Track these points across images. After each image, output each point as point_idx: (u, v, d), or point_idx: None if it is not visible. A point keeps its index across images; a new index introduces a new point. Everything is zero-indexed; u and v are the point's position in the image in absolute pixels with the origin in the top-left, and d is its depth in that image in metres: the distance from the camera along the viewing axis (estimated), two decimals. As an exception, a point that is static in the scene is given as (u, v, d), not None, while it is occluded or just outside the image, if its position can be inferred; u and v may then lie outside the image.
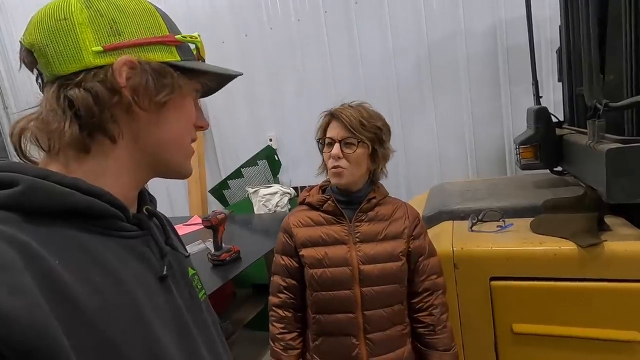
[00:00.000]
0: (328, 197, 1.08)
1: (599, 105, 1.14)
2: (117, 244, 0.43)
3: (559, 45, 1.79)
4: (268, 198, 2.68)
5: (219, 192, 3.00)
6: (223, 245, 1.73)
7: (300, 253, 1.07)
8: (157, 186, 3.32)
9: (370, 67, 2.55)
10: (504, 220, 1.38)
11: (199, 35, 0.50)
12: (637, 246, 1.10)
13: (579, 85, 1.49)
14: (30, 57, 0.44)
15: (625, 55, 1.21)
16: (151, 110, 0.44)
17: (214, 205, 3.03)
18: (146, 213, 0.51)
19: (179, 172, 0.51)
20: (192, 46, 0.50)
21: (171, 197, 3.28)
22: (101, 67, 0.42)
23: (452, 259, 1.26)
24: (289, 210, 2.67)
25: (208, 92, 0.55)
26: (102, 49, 0.42)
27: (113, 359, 0.36)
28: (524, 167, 1.62)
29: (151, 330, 0.40)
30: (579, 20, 1.30)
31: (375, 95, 2.50)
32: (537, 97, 1.84)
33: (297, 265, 1.09)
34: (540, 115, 1.55)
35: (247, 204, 2.79)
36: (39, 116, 0.42)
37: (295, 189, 2.80)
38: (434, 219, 1.54)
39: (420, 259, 1.08)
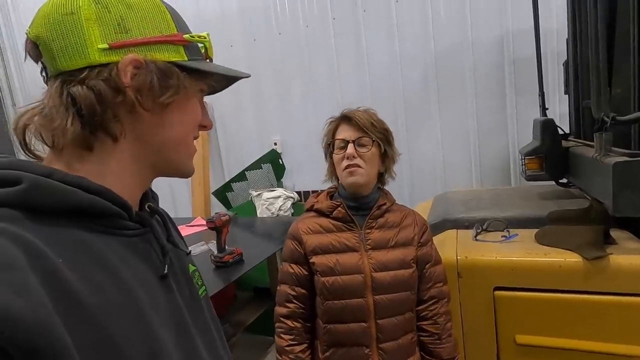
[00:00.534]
0: (338, 203, 1.06)
1: (606, 119, 1.15)
2: (119, 243, 0.43)
3: (565, 57, 1.80)
4: (271, 202, 2.68)
5: (222, 194, 3.01)
6: (226, 247, 1.73)
7: (311, 261, 1.05)
8: (160, 186, 3.34)
9: (377, 74, 2.57)
10: (508, 231, 1.38)
11: (207, 35, 0.49)
12: (642, 260, 1.10)
13: (586, 98, 1.50)
14: (35, 50, 0.43)
15: (633, 69, 1.22)
16: (155, 111, 0.44)
17: (217, 208, 3.04)
18: (148, 210, 0.50)
19: (182, 172, 0.51)
20: (201, 45, 0.49)
21: (175, 197, 3.29)
22: (106, 64, 0.41)
23: (456, 267, 1.26)
24: (292, 214, 2.67)
25: (214, 91, 0.55)
26: (108, 46, 0.41)
27: (113, 357, 0.36)
28: (529, 178, 1.62)
29: (151, 329, 0.41)
30: (587, 33, 1.31)
31: (381, 102, 2.52)
32: (543, 109, 1.84)
33: (306, 273, 1.07)
34: (547, 127, 1.55)
35: (250, 207, 2.79)
36: (42, 111, 0.42)
37: (299, 193, 2.81)
38: (438, 227, 1.54)
39: (427, 266, 1.08)
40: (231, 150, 3.08)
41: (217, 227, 1.68)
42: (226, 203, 3.00)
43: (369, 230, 1.05)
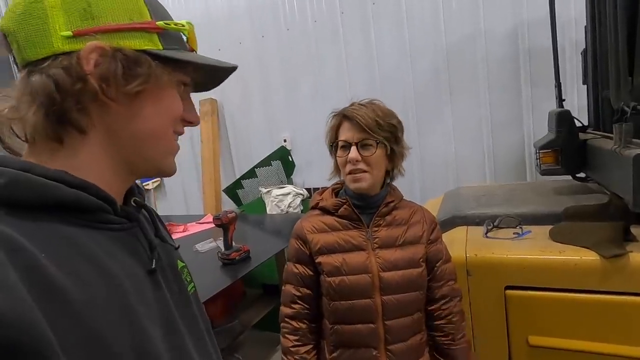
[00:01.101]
0: (344, 200, 1.03)
1: (626, 108, 1.09)
2: (105, 237, 0.42)
3: (583, 46, 1.71)
4: (281, 199, 2.68)
5: (232, 191, 3.02)
6: (233, 244, 1.73)
7: (316, 260, 1.02)
8: (173, 183, 3.38)
9: (387, 69, 2.52)
10: (521, 227, 1.33)
11: (187, 23, 0.47)
12: (665, 259, 1.04)
13: (605, 88, 1.42)
14: (5, 41, 0.42)
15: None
16: (123, 101, 0.42)
17: (228, 205, 3.05)
18: (134, 205, 0.49)
19: (160, 169, 0.48)
20: (182, 36, 0.47)
21: (186, 195, 3.33)
22: (69, 52, 0.40)
23: (465, 265, 1.22)
24: (302, 211, 2.66)
25: (204, 86, 0.53)
26: (71, 33, 0.40)
27: (100, 352, 0.35)
28: (544, 173, 1.55)
29: (139, 323, 0.40)
30: (607, 20, 1.24)
31: (391, 96, 2.46)
32: (560, 100, 1.76)
33: (312, 273, 1.04)
34: (563, 119, 1.49)
35: (260, 204, 2.80)
36: (13, 104, 0.41)
37: (309, 190, 2.79)
38: (448, 223, 1.50)
39: (438, 264, 1.03)
40: (241, 147, 3.09)
41: (223, 225, 1.69)
42: (236, 200, 3.02)
43: (376, 229, 1.01)
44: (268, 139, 2.93)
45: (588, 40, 1.61)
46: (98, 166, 0.43)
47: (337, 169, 1.07)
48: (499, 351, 1.22)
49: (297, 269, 1.05)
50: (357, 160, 0.95)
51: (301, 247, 1.05)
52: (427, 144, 2.50)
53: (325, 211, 1.05)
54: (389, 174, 1.05)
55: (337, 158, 1.02)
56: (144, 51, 0.43)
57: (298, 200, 2.68)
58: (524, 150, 2.31)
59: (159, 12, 0.46)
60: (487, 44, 2.27)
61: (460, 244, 1.30)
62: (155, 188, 3.42)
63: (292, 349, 1.04)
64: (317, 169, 2.81)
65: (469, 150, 2.42)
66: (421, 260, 1.00)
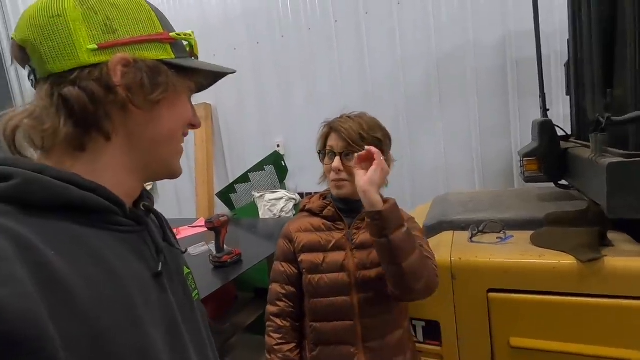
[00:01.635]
0: (328, 202, 1.09)
1: (601, 119, 1.13)
2: (113, 238, 0.43)
3: (567, 58, 1.78)
4: (273, 203, 2.70)
5: (225, 195, 3.04)
6: (225, 247, 1.75)
7: (299, 259, 1.07)
8: (166, 188, 3.39)
9: (379, 77, 2.57)
10: (504, 232, 1.37)
11: (192, 33, 0.50)
12: (638, 263, 1.08)
13: (584, 99, 1.48)
14: (22, 53, 0.43)
15: (630, 70, 1.20)
16: (145, 108, 0.45)
17: (221, 209, 3.07)
18: (143, 209, 0.51)
19: (170, 170, 0.51)
20: (186, 44, 0.50)
21: (179, 198, 3.33)
22: (96, 65, 0.42)
23: (450, 269, 1.26)
24: (294, 216, 2.68)
25: (200, 88, 0.55)
26: (96, 46, 0.42)
27: (102, 351, 0.36)
28: (528, 180, 1.60)
29: (142, 325, 0.41)
30: (584, 33, 1.30)
31: (383, 104, 2.52)
32: (544, 110, 1.82)
33: (296, 271, 1.08)
34: (545, 128, 1.54)
35: (253, 208, 2.82)
36: (32, 114, 0.42)
37: (301, 195, 2.82)
38: (435, 228, 1.54)
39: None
40: (234, 152, 3.11)
41: (215, 228, 1.71)
42: (229, 204, 3.04)
43: (356, 230, 1.06)
44: (261, 144, 2.96)
45: (570, 52, 1.67)
46: (115, 169, 0.45)
47: (326, 175, 1.11)
48: (482, 353, 1.25)
49: (283, 267, 1.10)
50: (339, 170, 1.01)
51: (287, 245, 1.10)
52: (417, 151, 2.54)
53: (312, 213, 1.11)
54: None
55: (324, 165, 1.08)
56: (161, 61, 0.46)
57: (290, 205, 2.71)
58: (512, 157, 2.37)
59: (167, 23, 0.49)
60: (476, 54, 2.34)
61: (446, 247, 1.33)
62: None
63: (275, 347, 1.07)
64: (309, 174, 2.84)
65: (459, 157, 2.47)
66: None
